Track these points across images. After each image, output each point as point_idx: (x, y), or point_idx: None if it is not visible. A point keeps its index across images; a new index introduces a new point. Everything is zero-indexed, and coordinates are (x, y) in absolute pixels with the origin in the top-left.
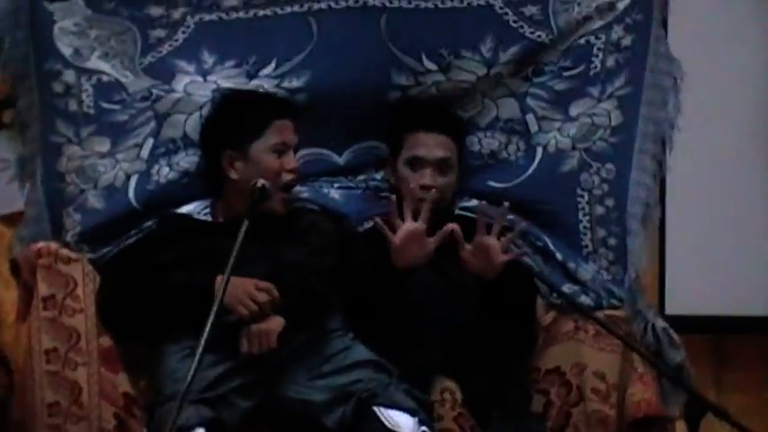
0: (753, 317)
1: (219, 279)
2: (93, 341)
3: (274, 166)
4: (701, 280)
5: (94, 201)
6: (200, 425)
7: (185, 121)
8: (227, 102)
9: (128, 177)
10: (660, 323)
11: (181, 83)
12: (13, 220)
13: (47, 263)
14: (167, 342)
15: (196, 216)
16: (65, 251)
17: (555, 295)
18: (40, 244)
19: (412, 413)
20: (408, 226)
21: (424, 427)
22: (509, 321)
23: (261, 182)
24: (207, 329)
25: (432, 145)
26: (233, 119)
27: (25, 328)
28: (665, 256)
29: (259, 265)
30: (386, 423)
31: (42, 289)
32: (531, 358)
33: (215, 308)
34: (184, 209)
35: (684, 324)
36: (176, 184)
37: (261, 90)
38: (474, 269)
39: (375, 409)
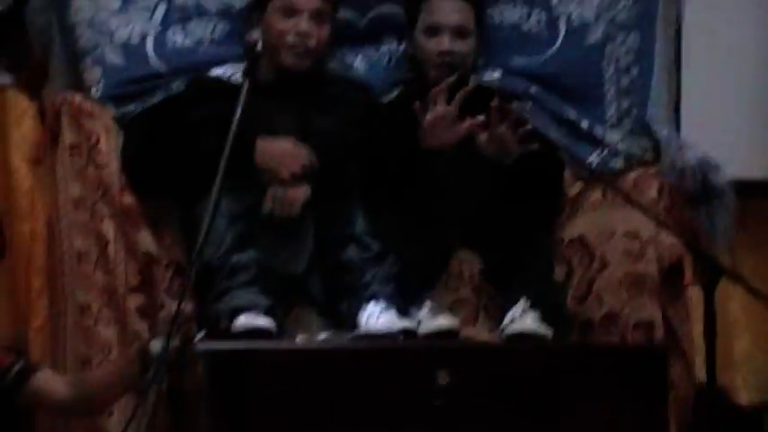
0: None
1: (259, 141)
2: (117, 197)
3: (280, 27)
4: (714, 144)
5: (113, 56)
6: (264, 312)
7: None
8: None
9: (143, 37)
10: (693, 157)
11: None
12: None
13: (71, 113)
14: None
15: (225, 79)
16: (88, 104)
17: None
18: (65, 94)
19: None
20: (440, 110)
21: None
22: (533, 194)
23: (252, 36)
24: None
25: (449, 10)
26: None
27: (51, 173)
28: (680, 120)
29: (289, 129)
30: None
31: (69, 137)
32: (555, 229)
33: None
34: (214, 72)
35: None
36: (193, 50)
37: None
38: (491, 154)
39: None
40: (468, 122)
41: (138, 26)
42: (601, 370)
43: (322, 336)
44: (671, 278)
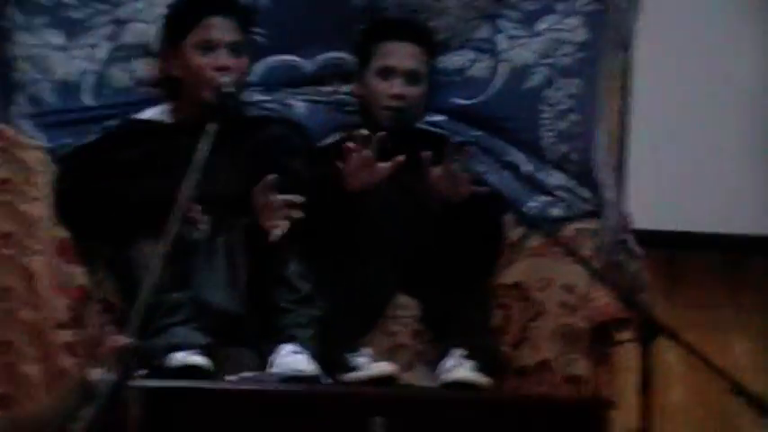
0: (707, 233)
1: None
2: (50, 230)
3: (199, 62)
4: (659, 195)
5: (49, 94)
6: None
7: (146, 30)
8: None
9: (83, 74)
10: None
11: None
12: None
13: (3, 146)
14: (140, 239)
15: (156, 119)
16: (21, 137)
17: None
18: None
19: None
20: (358, 155)
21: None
22: (473, 238)
23: (225, 82)
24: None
25: (403, 54)
26: (170, 16)
27: None
28: (626, 170)
29: (223, 170)
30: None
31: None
32: (493, 275)
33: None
34: (145, 114)
35: (641, 238)
36: (132, 91)
37: None
38: (441, 193)
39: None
40: (391, 163)
41: (78, 62)
42: (538, 422)
43: (244, 375)
44: (602, 334)
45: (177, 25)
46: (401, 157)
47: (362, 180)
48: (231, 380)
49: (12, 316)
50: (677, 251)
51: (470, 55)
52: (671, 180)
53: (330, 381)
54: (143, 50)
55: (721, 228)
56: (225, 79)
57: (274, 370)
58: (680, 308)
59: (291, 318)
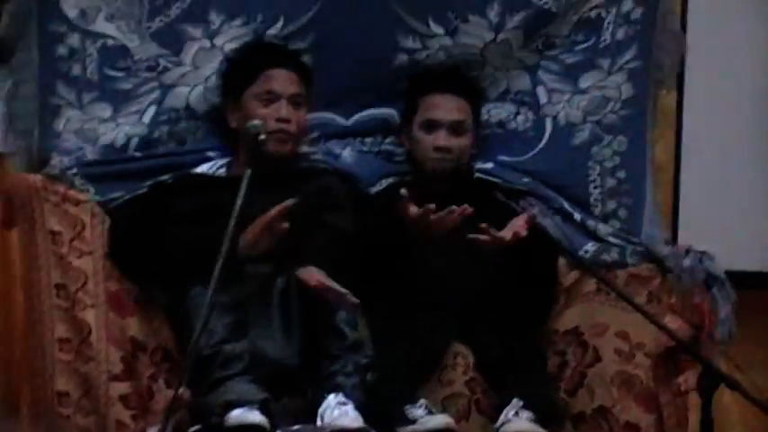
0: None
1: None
2: (102, 284)
3: (261, 113)
4: (714, 238)
5: (92, 155)
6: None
7: (189, 93)
8: (232, 54)
9: (128, 139)
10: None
11: (189, 53)
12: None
13: (55, 201)
14: (197, 287)
15: (210, 174)
16: (73, 192)
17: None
18: (44, 181)
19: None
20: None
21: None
22: (527, 285)
23: (252, 123)
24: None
25: (447, 107)
26: (230, 69)
27: (28, 261)
28: (678, 212)
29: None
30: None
31: (51, 224)
32: (550, 320)
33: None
34: (199, 169)
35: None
36: (175, 151)
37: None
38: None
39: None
40: (456, 212)
41: (125, 128)
42: None
43: (293, 429)
44: (666, 382)
45: (239, 77)
46: (467, 208)
47: (427, 230)
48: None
49: (69, 367)
50: (741, 289)
51: (511, 107)
52: (727, 219)
53: None
54: (186, 113)
55: None
56: (255, 122)
57: (323, 422)
58: (743, 346)
59: (338, 365)
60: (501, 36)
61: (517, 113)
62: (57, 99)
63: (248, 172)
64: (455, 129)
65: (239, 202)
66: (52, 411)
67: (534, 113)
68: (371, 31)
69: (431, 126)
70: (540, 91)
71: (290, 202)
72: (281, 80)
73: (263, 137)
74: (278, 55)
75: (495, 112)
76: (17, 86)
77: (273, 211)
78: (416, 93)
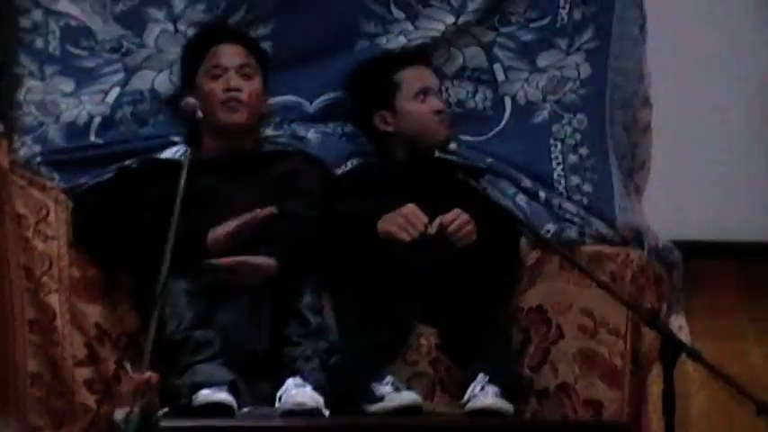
0: (724, 242)
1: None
2: (66, 269)
3: (210, 86)
4: (673, 204)
5: (54, 135)
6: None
7: (155, 77)
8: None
9: (91, 118)
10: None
11: (152, 35)
12: None
13: (21, 184)
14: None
15: (175, 159)
16: (37, 178)
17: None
18: (12, 163)
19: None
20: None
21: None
22: (489, 264)
23: (186, 100)
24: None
25: (426, 75)
26: (184, 52)
27: None
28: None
29: (248, 207)
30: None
31: (18, 206)
32: (513, 298)
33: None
34: (164, 154)
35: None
36: (139, 137)
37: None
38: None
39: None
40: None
41: (88, 107)
42: None
43: (248, 409)
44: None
45: (192, 59)
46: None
47: (400, 234)
48: (240, 414)
49: (41, 349)
50: (693, 259)
51: (469, 86)
52: (686, 188)
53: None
54: (150, 95)
55: (737, 236)
56: (189, 99)
57: (280, 404)
58: (696, 316)
59: (298, 351)
60: (462, 19)
61: (475, 92)
62: (19, 68)
63: (187, 153)
64: (440, 94)
65: (181, 185)
66: (25, 393)
67: (493, 92)
68: (334, 17)
69: (424, 93)
70: (497, 68)
71: (268, 210)
72: (227, 53)
73: (199, 114)
74: (223, 32)
75: (454, 91)
76: None
77: (249, 216)
78: (391, 73)
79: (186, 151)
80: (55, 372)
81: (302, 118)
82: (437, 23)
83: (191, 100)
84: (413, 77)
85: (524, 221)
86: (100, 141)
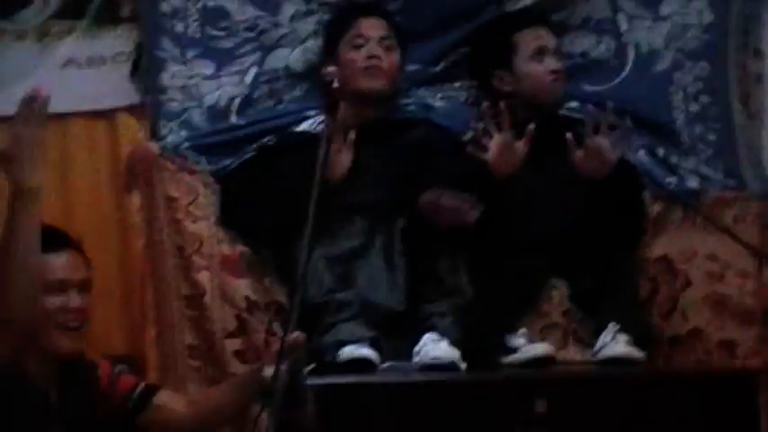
0: None
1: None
2: (216, 246)
3: (351, 56)
4: None
5: (198, 119)
6: (368, 343)
7: (289, 55)
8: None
9: (231, 99)
10: None
11: (286, 14)
12: (135, 111)
13: (172, 168)
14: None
15: (312, 131)
16: (186, 164)
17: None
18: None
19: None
20: (497, 139)
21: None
22: (617, 216)
23: (326, 69)
24: None
25: (546, 36)
26: (326, 26)
27: (150, 223)
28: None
29: (379, 176)
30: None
31: (169, 190)
32: (640, 249)
33: None
34: (300, 127)
35: None
36: (276, 114)
37: None
38: (586, 171)
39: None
40: (526, 137)
41: (228, 89)
42: (693, 393)
43: (388, 364)
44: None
45: (334, 31)
46: (532, 127)
47: (507, 164)
48: (381, 369)
49: (196, 323)
50: None
51: (592, 37)
52: None
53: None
54: (285, 73)
55: None
56: (330, 68)
57: (417, 359)
58: None
59: (434, 307)
60: None
61: (599, 42)
62: (162, 53)
63: (325, 122)
64: (559, 54)
65: (322, 152)
66: (184, 364)
67: (616, 41)
68: None
69: (541, 53)
70: (621, 18)
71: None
72: (370, 26)
73: (336, 84)
74: (367, 7)
75: (578, 42)
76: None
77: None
78: (507, 32)
79: (323, 120)
80: (209, 344)
81: (428, 79)
82: None
83: (331, 68)
84: (530, 38)
85: (646, 173)
86: (241, 122)
